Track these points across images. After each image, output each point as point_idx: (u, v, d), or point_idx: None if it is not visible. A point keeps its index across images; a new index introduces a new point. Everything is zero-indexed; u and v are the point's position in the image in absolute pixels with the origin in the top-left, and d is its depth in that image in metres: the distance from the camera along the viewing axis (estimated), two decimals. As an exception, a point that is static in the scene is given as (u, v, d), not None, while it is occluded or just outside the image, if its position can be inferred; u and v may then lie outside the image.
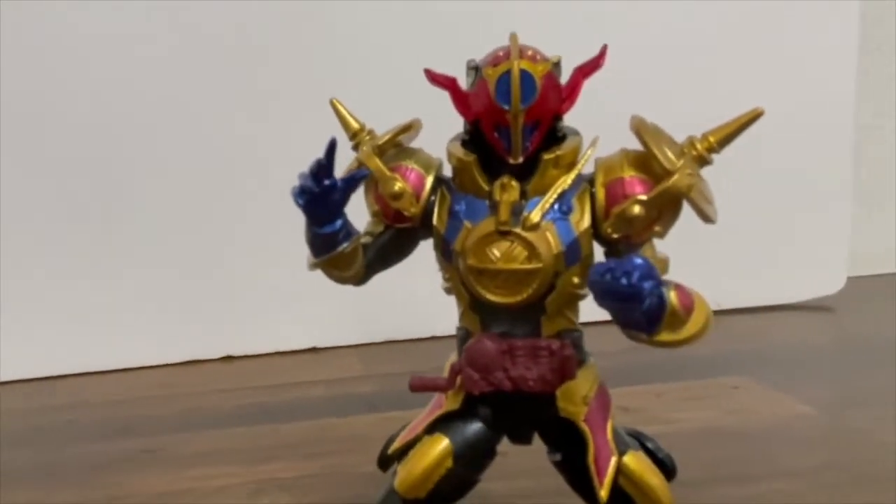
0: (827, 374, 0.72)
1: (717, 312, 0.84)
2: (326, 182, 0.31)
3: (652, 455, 0.36)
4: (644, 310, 0.28)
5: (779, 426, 0.60)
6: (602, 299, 0.29)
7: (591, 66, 0.32)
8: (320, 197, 0.32)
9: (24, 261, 0.81)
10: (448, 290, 0.35)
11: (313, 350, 0.85)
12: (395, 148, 0.35)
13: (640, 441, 0.36)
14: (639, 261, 0.28)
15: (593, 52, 0.32)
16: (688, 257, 0.85)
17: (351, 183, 0.32)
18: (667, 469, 0.36)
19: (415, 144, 0.36)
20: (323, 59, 0.80)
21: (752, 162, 0.89)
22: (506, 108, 0.31)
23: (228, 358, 0.85)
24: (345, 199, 0.32)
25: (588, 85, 0.32)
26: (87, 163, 0.81)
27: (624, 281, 0.27)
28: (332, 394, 0.72)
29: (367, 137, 0.35)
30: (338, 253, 0.33)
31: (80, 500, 0.53)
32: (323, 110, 0.36)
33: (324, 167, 0.31)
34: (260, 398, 0.73)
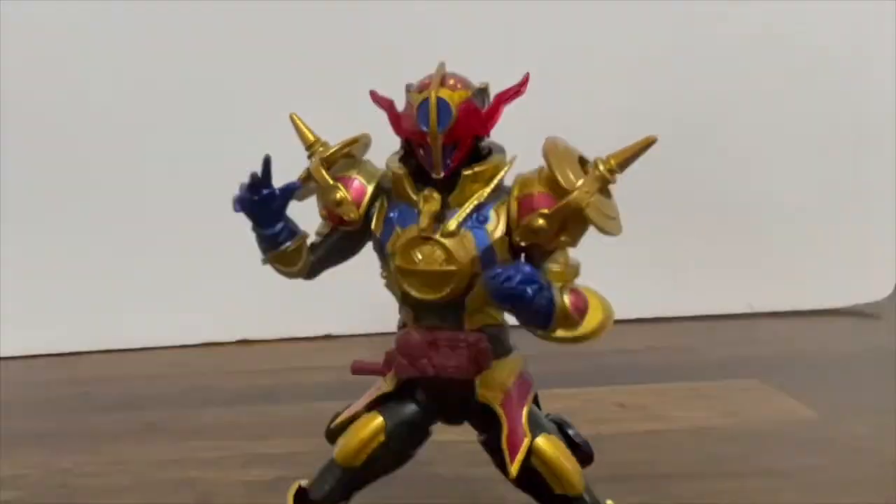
0: (848, 382, 0.76)
1: (748, 316, 0.92)
2: (265, 192, 0.40)
3: (570, 441, 0.42)
4: (533, 310, 0.35)
5: (776, 428, 0.66)
6: (493, 299, 0.36)
7: (511, 93, 0.39)
8: (258, 204, 0.40)
9: (50, 243, 0.93)
10: (387, 286, 0.43)
11: (327, 337, 0.95)
12: (347, 159, 0.42)
13: (561, 428, 0.42)
14: (525, 268, 0.35)
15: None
16: (723, 258, 0.93)
17: (286, 192, 0.40)
18: (584, 455, 0.42)
19: (369, 156, 0.44)
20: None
21: (800, 162, 0.95)
22: (425, 130, 0.38)
23: (244, 342, 0.96)
24: (283, 205, 0.40)
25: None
26: (112, 144, 0.92)
27: (506, 284, 0.35)
28: (336, 379, 0.83)
29: (320, 149, 0.42)
30: (280, 251, 0.41)
31: (84, 462, 0.64)
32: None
33: (258, 180, 0.40)
34: (267, 380, 0.82)
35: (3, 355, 0.93)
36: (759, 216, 0.96)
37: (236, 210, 0.41)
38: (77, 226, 0.94)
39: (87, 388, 0.83)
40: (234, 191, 0.40)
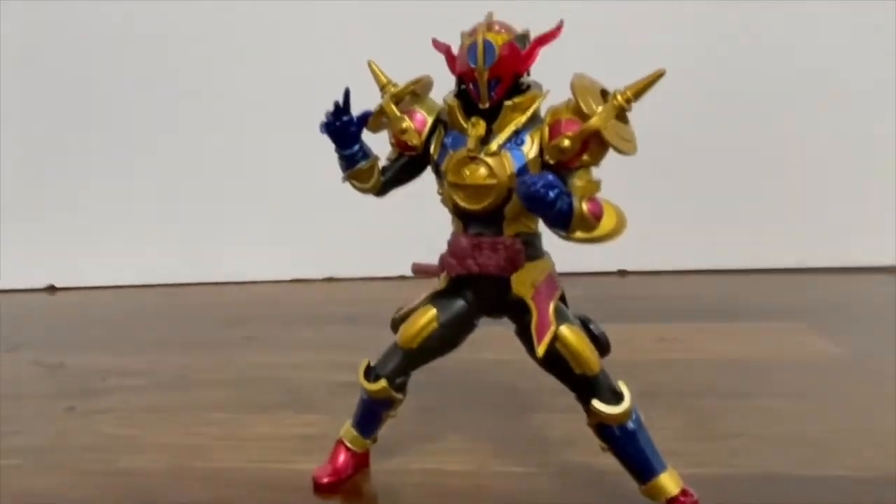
0: (886, 331, 0.78)
1: (797, 270, 0.96)
2: (345, 118, 0.48)
3: (591, 333, 0.49)
4: (555, 211, 0.42)
5: (806, 361, 0.71)
6: (523, 202, 0.42)
7: (547, 37, 0.47)
8: (340, 129, 0.48)
9: (158, 193, 1.08)
10: (442, 202, 0.50)
11: (402, 278, 1.05)
12: (412, 96, 0.51)
13: (584, 322, 0.49)
14: (549, 176, 0.42)
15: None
16: (776, 216, 0.97)
17: (361, 119, 0.49)
18: (601, 345, 0.49)
19: (433, 95, 0.52)
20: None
21: (856, 134, 0.98)
22: (473, 66, 0.46)
23: (331, 279, 1.08)
24: (359, 129, 0.49)
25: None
26: (211, 91, 1.04)
27: (532, 188, 0.41)
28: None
29: (392, 89, 0.50)
30: (357, 169, 0.50)
31: (196, 362, 0.77)
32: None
33: (340, 108, 0.48)
34: (349, 309, 0.93)
35: (128, 284, 1.09)
36: (811, 177, 1.00)
37: (322, 132, 0.49)
38: (182, 176, 1.07)
39: (199, 311, 0.97)
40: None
